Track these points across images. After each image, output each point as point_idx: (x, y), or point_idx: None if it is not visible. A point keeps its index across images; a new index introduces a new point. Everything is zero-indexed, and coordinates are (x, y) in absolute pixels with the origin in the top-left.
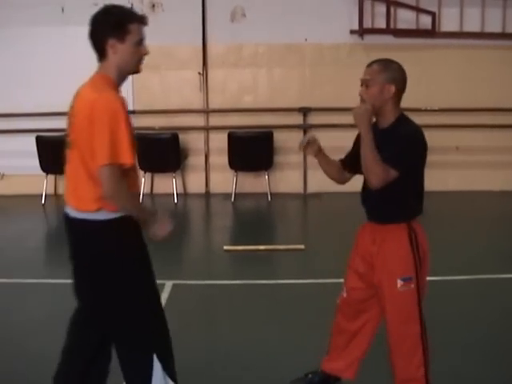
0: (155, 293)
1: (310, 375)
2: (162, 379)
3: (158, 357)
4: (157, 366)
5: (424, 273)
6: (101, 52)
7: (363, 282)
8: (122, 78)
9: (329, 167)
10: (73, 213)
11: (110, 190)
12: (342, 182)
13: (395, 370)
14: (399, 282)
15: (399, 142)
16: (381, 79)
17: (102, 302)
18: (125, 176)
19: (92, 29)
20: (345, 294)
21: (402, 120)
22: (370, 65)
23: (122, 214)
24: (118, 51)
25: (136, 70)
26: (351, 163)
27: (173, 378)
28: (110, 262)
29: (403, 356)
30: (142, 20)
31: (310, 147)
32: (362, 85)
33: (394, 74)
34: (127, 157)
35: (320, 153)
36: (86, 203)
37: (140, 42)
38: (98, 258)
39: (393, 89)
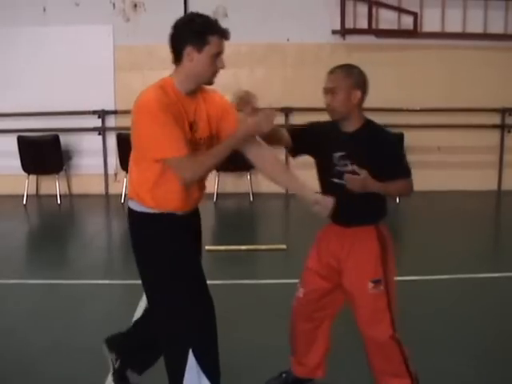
0: (193, 291)
1: (283, 374)
2: (196, 375)
3: (193, 352)
4: (191, 361)
5: (392, 274)
6: (177, 56)
7: (323, 282)
8: (190, 85)
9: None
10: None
11: (182, 177)
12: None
13: (375, 369)
14: (370, 285)
15: (396, 151)
16: (346, 85)
17: (144, 287)
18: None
19: (173, 33)
20: (301, 295)
21: (371, 124)
22: (332, 72)
23: (157, 210)
24: (194, 60)
25: (209, 82)
26: (299, 147)
27: (210, 378)
28: (143, 252)
29: (382, 357)
30: (223, 34)
31: (244, 105)
32: (326, 93)
33: (358, 79)
34: (175, 150)
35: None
36: (130, 191)
37: (217, 54)
38: (135, 247)
39: (359, 94)
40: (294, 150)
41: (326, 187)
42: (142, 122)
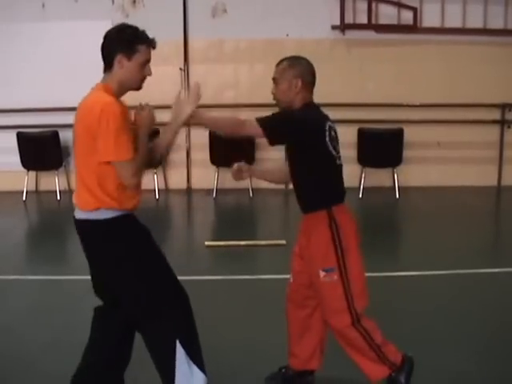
0: (169, 284)
1: (283, 370)
2: (187, 366)
3: (180, 343)
4: (180, 351)
5: (353, 261)
6: (108, 64)
7: (306, 266)
8: (121, 92)
9: (273, 176)
10: (77, 213)
11: (130, 180)
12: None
13: (352, 358)
14: (321, 273)
15: (278, 113)
16: (288, 75)
17: (121, 292)
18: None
19: (104, 42)
20: (291, 279)
21: (305, 107)
22: (278, 64)
23: (121, 212)
24: (124, 67)
25: (137, 88)
26: None
27: (199, 367)
28: (116, 259)
29: (347, 345)
30: (151, 43)
31: (239, 176)
32: (273, 84)
33: (299, 69)
34: (125, 153)
35: (254, 173)
36: (86, 204)
37: (145, 62)
38: (103, 257)
39: (299, 82)
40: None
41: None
42: (103, 124)
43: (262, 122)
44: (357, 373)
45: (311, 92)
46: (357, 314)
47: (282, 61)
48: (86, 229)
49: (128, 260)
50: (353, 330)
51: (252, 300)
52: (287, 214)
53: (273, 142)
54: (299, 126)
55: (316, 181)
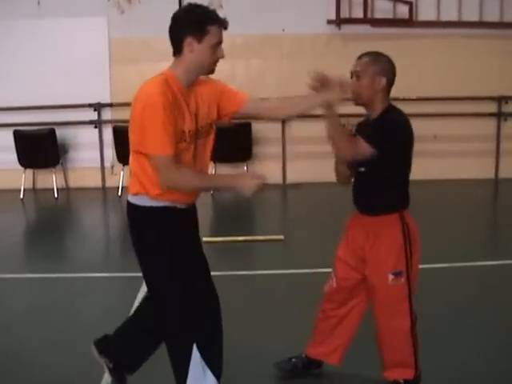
0: (198, 285)
1: (293, 359)
2: (200, 369)
3: (197, 347)
4: (195, 356)
5: (415, 265)
6: (177, 48)
7: (354, 272)
8: (191, 77)
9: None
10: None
11: (163, 179)
12: (349, 180)
13: (385, 358)
14: (390, 276)
15: (381, 125)
16: (372, 71)
17: (146, 283)
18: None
19: (172, 24)
20: (334, 284)
21: (391, 109)
22: (360, 57)
23: (163, 203)
24: (194, 50)
25: (209, 72)
26: None
27: (214, 372)
28: (151, 248)
29: (394, 347)
30: (222, 23)
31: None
32: (351, 77)
33: (384, 67)
34: (163, 148)
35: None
36: (131, 188)
37: (217, 44)
38: (137, 242)
39: (384, 81)
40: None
41: (355, 176)
42: (142, 114)
43: (373, 142)
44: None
45: (390, 92)
46: (416, 317)
47: (363, 55)
48: (129, 211)
49: (159, 253)
50: (409, 334)
51: (251, 295)
52: (285, 209)
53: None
54: (405, 139)
55: (398, 184)
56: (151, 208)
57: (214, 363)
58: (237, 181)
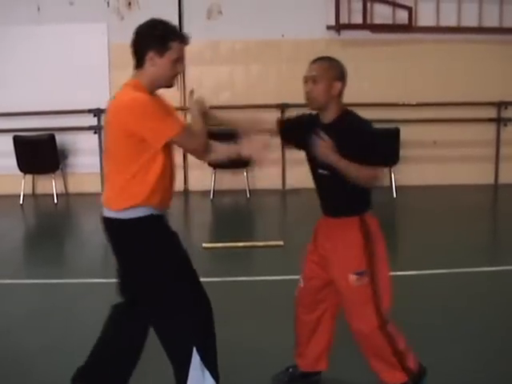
0: (190, 289)
1: (290, 369)
2: (200, 372)
3: (197, 351)
4: (195, 359)
5: (381, 265)
6: (139, 61)
7: (320, 271)
8: (152, 89)
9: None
10: (106, 212)
11: (197, 146)
12: None
13: (369, 362)
14: (353, 277)
15: (371, 140)
16: (328, 76)
17: (142, 295)
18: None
19: (135, 38)
20: (302, 284)
21: (347, 113)
22: (314, 62)
23: (148, 212)
24: (156, 64)
25: (168, 85)
26: (288, 135)
27: (213, 374)
28: (145, 258)
29: (370, 349)
30: (183, 39)
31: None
32: (306, 82)
33: (340, 72)
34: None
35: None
36: (114, 203)
37: (178, 59)
38: (131, 256)
39: (339, 85)
40: (282, 139)
41: (315, 178)
42: (138, 117)
43: (380, 163)
44: (364, 374)
45: (343, 97)
46: (383, 318)
47: (319, 59)
48: (113, 227)
49: (151, 262)
50: (379, 334)
51: (250, 301)
52: (285, 215)
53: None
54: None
55: (360, 187)
56: (140, 218)
57: (212, 365)
58: (244, 147)
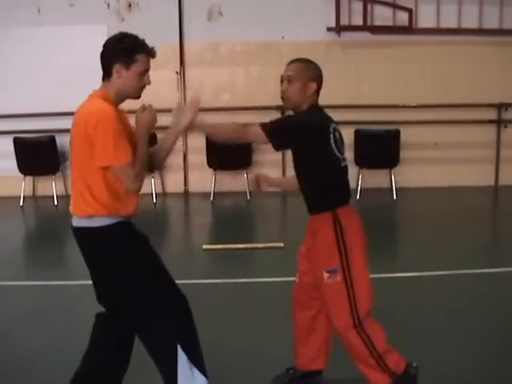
0: (167, 290)
1: (291, 370)
2: (188, 369)
3: (182, 347)
4: (182, 356)
5: (358, 263)
6: (107, 73)
7: (311, 266)
8: (119, 100)
9: (288, 184)
10: (74, 221)
11: (129, 184)
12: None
13: (352, 358)
14: (325, 275)
15: (282, 117)
16: (304, 77)
17: (119, 301)
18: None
19: (103, 50)
20: (297, 280)
21: (311, 109)
22: (291, 62)
23: (116, 220)
24: (122, 76)
25: (135, 97)
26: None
27: (201, 370)
28: (121, 266)
29: (348, 347)
30: (150, 53)
31: (257, 186)
32: (282, 81)
33: (315, 73)
34: (125, 157)
35: (271, 182)
36: (81, 211)
37: (144, 72)
38: (103, 264)
39: (314, 86)
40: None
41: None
42: (100, 130)
43: (265, 127)
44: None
45: (318, 97)
46: (358, 317)
47: (296, 60)
48: (83, 236)
49: (124, 268)
50: (354, 333)
51: (251, 303)
52: (285, 217)
53: (278, 146)
54: (304, 129)
55: (321, 182)
56: (108, 226)
57: (200, 363)
58: (177, 122)
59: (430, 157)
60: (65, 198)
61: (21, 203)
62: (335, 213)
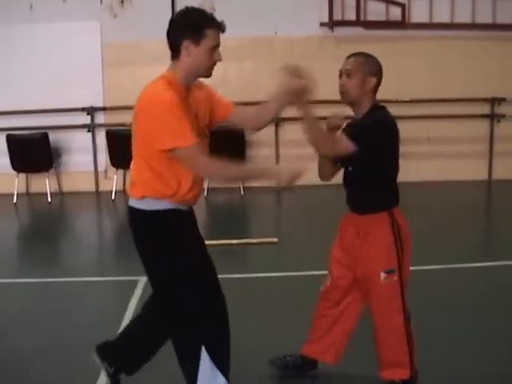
0: (207, 288)
1: (287, 357)
2: (210, 371)
3: (206, 349)
4: (204, 357)
5: (406, 262)
6: (175, 52)
7: (347, 271)
8: (190, 80)
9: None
10: (130, 201)
11: (198, 170)
12: (330, 176)
13: (381, 357)
14: (382, 275)
15: (364, 123)
16: (363, 71)
17: (154, 287)
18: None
19: (170, 28)
20: (329, 283)
21: (378, 108)
22: (350, 56)
23: (168, 206)
24: (192, 53)
25: (206, 75)
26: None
27: (223, 373)
28: (158, 251)
29: (389, 345)
30: (220, 27)
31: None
32: (340, 76)
33: (375, 68)
34: (186, 139)
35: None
36: (135, 192)
37: (214, 47)
38: (147, 247)
39: (374, 81)
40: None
41: (344, 176)
42: (156, 113)
43: (355, 138)
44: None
45: (376, 93)
46: (409, 314)
47: (355, 54)
48: (132, 216)
49: (162, 259)
50: (403, 330)
51: (245, 298)
52: (279, 212)
53: (362, 154)
54: (388, 136)
55: (384, 182)
56: (159, 211)
57: (224, 366)
58: (272, 171)
59: (423, 151)
60: (58, 195)
61: (14, 200)
62: (391, 213)
